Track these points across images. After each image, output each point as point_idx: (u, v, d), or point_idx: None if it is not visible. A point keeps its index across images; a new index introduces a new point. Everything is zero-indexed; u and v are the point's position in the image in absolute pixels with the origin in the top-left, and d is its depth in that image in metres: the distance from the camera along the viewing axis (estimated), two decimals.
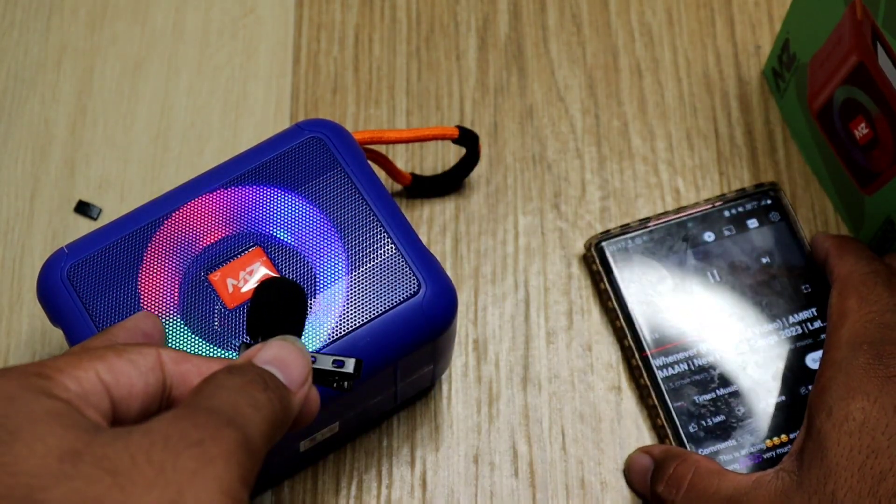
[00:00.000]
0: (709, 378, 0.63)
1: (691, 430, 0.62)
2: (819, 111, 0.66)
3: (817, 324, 0.64)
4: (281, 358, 0.44)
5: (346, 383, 0.47)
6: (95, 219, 0.67)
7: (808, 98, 0.67)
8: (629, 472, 0.62)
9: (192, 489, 0.35)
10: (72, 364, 0.39)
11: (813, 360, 0.63)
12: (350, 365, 0.46)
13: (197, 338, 0.54)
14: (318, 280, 0.55)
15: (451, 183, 0.68)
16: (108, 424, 0.39)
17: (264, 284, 0.46)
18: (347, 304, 0.55)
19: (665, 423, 0.62)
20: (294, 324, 0.46)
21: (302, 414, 0.44)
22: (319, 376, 0.46)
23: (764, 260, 0.66)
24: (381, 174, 0.68)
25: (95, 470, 0.35)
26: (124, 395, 0.40)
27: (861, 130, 0.63)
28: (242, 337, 0.53)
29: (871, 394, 0.54)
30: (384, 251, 0.56)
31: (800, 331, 0.64)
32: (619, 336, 0.65)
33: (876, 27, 0.58)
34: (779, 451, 0.61)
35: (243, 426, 0.39)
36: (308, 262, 0.55)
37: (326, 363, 0.46)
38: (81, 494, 0.34)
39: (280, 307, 0.46)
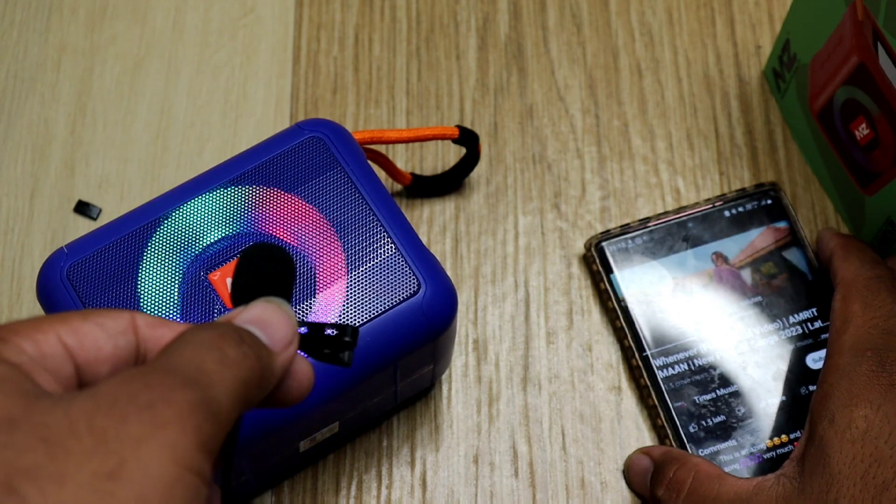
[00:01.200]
0: (709, 378, 0.63)
1: (691, 430, 0.62)
2: (820, 112, 0.66)
3: (818, 324, 0.64)
4: (263, 318, 0.41)
5: (345, 354, 0.43)
6: (95, 219, 0.67)
7: (808, 98, 0.67)
8: (629, 473, 0.62)
9: (135, 458, 0.33)
10: (32, 327, 0.37)
11: (813, 360, 0.63)
12: (347, 331, 0.43)
13: None
14: (317, 280, 0.55)
15: (451, 183, 0.68)
16: (72, 389, 0.37)
17: (249, 249, 0.43)
18: (347, 303, 0.55)
19: (665, 423, 0.62)
20: (281, 289, 0.43)
21: (291, 387, 0.41)
22: (315, 348, 0.43)
23: (764, 260, 0.66)
24: (381, 174, 0.68)
25: (29, 438, 0.32)
26: (90, 359, 0.38)
27: (862, 131, 0.63)
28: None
29: (875, 401, 0.54)
30: (384, 251, 0.56)
31: (800, 331, 0.64)
32: (619, 336, 0.65)
33: (877, 28, 0.58)
34: (779, 451, 0.61)
35: (205, 385, 0.36)
36: (308, 262, 0.55)
37: (320, 331, 0.43)
38: (11, 464, 0.32)
39: (265, 271, 0.42)
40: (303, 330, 0.43)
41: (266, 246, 0.43)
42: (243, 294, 0.42)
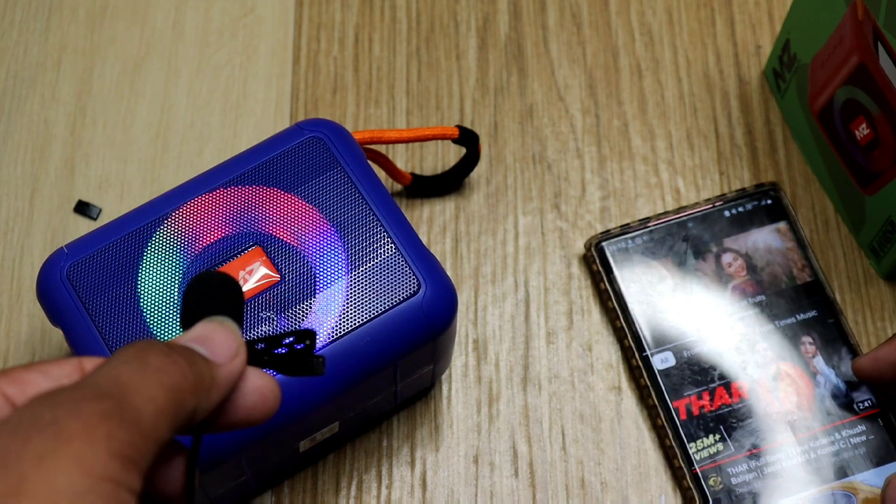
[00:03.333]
0: (709, 378, 0.63)
1: (691, 430, 0.62)
2: (820, 111, 0.66)
3: (818, 324, 0.64)
4: (203, 334, 0.41)
5: (313, 362, 0.43)
6: (95, 219, 0.67)
7: (808, 98, 0.67)
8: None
9: (38, 474, 0.33)
10: None
11: (816, 362, 0.63)
12: (304, 336, 0.43)
13: None
14: (318, 280, 0.55)
15: (451, 183, 0.68)
16: None
17: (193, 279, 0.43)
18: (347, 303, 0.55)
19: (665, 423, 0.62)
20: (228, 312, 0.43)
21: (254, 405, 0.41)
22: (282, 364, 0.43)
23: (764, 260, 0.66)
24: (381, 174, 0.68)
25: None
26: None
27: (862, 131, 0.63)
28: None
29: None
30: (384, 251, 0.56)
31: (800, 331, 0.64)
32: (619, 336, 0.65)
33: (877, 27, 0.58)
34: (780, 452, 0.61)
35: (119, 395, 0.35)
36: (308, 262, 0.55)
37: (278, 344, 0.43)
38: None
39: (211, 297, 0.43)
40: (259, 346, 0.43)
41: (210, 273, 0.43)
42: (190, 320, 0.43)
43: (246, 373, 0.41)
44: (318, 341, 0.54)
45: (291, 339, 0.43)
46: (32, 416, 0.35)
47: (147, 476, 0.38)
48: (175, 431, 0.38)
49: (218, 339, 0.41)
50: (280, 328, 0.54)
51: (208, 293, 0.43)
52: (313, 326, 0.54)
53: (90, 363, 0.40)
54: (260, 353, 0.43)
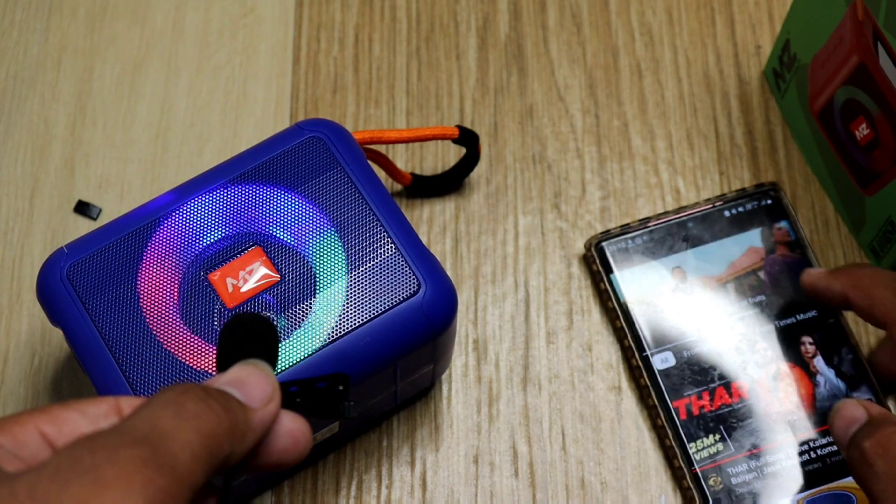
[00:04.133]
0: (709, 378, 0.63)
1: (691, 430, 0.62)
2: (820, 112, 0.66)
3: (818, 324, 0.64)
4: (238, 377, 0.42)
5: (344, 406, 0.44)
6: (95, 219, 0.67)
7: (808, 98, 0.67)
8: (835, 416, 0.56)
9: None
10: (12, 420, 0.39)
11: (816, 362, 0.63)
12: (339, 381, 0.43)
13: (197, 337, 0.54)
14: (318, 280, 0.55)
15: (451, 183, 0.68)
16: None
17: (230, 320, 0.44)
18: (347, 303, 0.55)
19: (665, 423, 0.62)
20: (264, 354, 0.44)
21: (286, 448, 0.42)
22: (311, 406, 0.44)
23: (764, 260, 0.66)
24: (381, 174, 0.68)
25: None
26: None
27: (862, 131, 0.63)
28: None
29: None
30: (384, 251, 0.56)
31: (800, 331, 0.64)
32: (619, 336, 0.65)
33: (877, 28, 0.58)
34: (780, 452, 0.61)
35: (156, 441, 0.36)
36: (308, 262, 0.55)
37: (312, 388, 0.43)
38: None
39: (247, 339, 0.44)
40: (293, 388, 0.43)
41: (247, 316, 0.44)
42: (226, 362, 0.43)
43: (279, 416, 0.42)
44: (318, 341, 0.54)
45: (325, 384, 0.43)
46: (72, 460, 0.35)
47: None
48: (210, 476, 0.38)
49: (253, 383, 0.42)
50: (280, 328, 0.54)
51: (244, 335, 0.43)
52: (313, 326, 0.54)
53: (127, 403, 0.41)
54: (292, 396, 0.43)
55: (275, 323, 0.45)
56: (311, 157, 0.57)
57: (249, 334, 0.44)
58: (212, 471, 0.38)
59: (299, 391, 0.43)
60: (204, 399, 0.39)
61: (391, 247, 0.56)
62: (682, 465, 0.61)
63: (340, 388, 0.43)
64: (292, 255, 0.56)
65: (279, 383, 0.43)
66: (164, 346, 0.53)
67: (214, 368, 0.52)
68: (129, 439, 0.36)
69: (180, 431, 0.37)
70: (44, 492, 0.34)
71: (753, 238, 0.66)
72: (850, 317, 0.66)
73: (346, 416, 0.44)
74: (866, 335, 0.65)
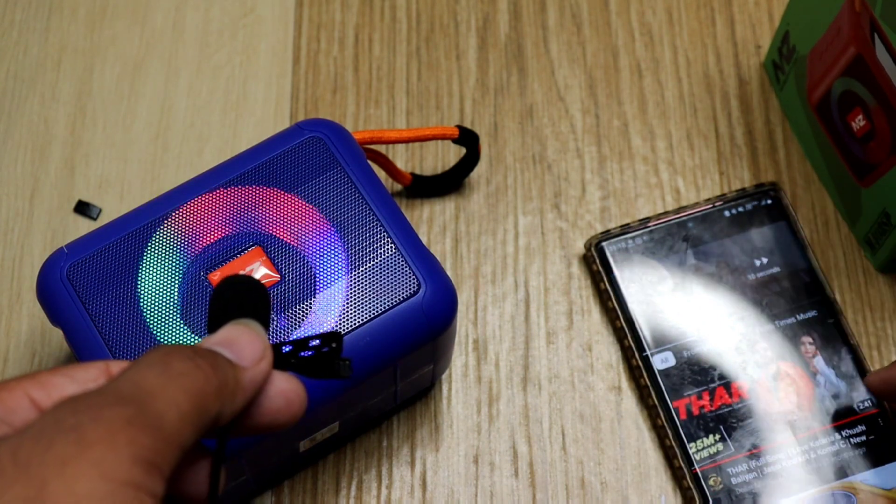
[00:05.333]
0: (709, 378, 0.63)
1: (691, 429, 0.62)
2: (817, 103, 0.66)
3: (818, 324, 0.64)
4: (228, 337, 0.41)
5: (340, 365, 0.42)
6: (95, 219, 0.67)
7: (806, 90, 0.67)
8: (871, 375, 0.57)
9: (59, 479, 0.33)
10: (1, 386, 0.38)
11: (816, 362, 0.63)
12: (331, 338, 0.42)
13: (197, 337, 0.54)
14: (318, 280, 0.55)
15: (451, 183, 0.68)
16: None
17: (221, 283, 0.43)
18: (347, 303, 0.55)
19: (665, 423, 0.62)
20: (255, 315, 0.43)
21: (279, 408, 0.41)
22: (307, 367, 0.43)
23: (764, 260, 0.66)
24: (381, 174, 0.68)
25: None
26: None
27: (858, 122, 0.63)
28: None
29: None
30: (384, 251, 0.56)
31: (800, 331, 0.64)
32: (619, 336, 0.65)
33: (874, 19, 0.58)
34: (780, 452, 0.61)
35: (141, 400, 0.36)
36: (308, 262, 0.55)
37: (304, 347, 0.42)
38: None
39: (237, 301, 0.43)
40: (286, 349, 0.42)
41: (237, 278, 0.43)
42: (216, 325, 0.42)
43: (271, 376, 0.41)
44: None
45: (318, 341, 0.42)
46: (55, 421, 0.35)
47: (170, 480, 0.38)
48: (199, 435, 0.38)
49: (243, 341, 0.41)
50: (280, 328, 0.54)
51: (235, 297, 0.43)
52: (313, 326, 0.54)
53: (116, 367, 0.40)
54: (286, 356, 0.42)
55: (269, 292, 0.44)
56: (311, 157, 0.57)
57: (240, 297, 0.43)
58: (201, 430, 0.38)
59: (292, 350, 0.42)
60: (191, 358, 0.38)
61: (391, 247, 0.56)
62: (682, 465, 0.61)
63: (334, 344, 0.42)
64: (292, 255, 0.56)
65: (271, 344, 0.42)
66: None
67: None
68: (114, 399, 0.36)
69: (167, 390, 0.37)
70: (26, 453, 0.34)
71: (753, 238, 0.66)
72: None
73: (340, 375, 0.43)
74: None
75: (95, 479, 0.33)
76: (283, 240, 0.56)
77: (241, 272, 0.44)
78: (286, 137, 0.58)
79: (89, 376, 0.39)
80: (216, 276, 0.55)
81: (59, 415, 0.35)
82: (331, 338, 0.42)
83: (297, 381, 0.42)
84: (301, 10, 0.73)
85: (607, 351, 0.65)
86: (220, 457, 0.40)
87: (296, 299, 0.55)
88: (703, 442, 0.62)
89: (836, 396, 0.63)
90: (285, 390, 0.41)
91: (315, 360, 0.42)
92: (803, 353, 0.64)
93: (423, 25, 0.73)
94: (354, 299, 0.55)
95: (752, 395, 0.63)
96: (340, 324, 0.54)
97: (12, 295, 0.66)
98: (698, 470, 0.61)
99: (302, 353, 0.42)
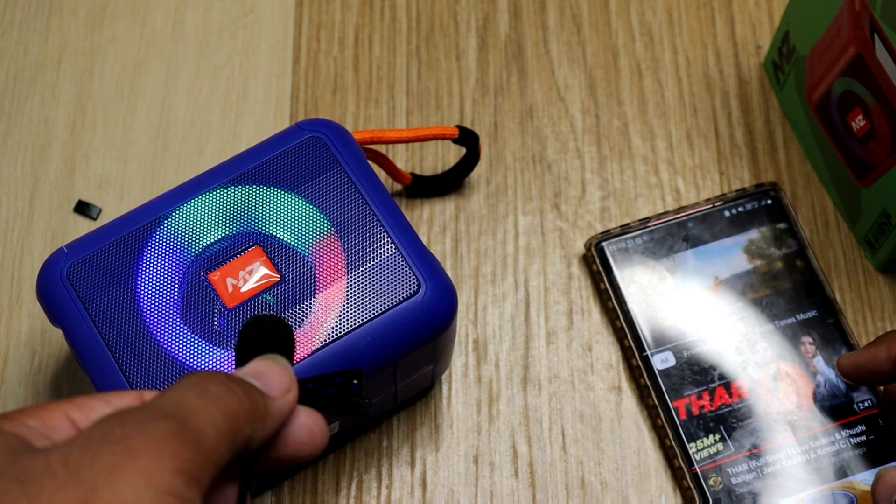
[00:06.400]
0: (709, 378, 0.63)
1: (691, 430, 0.62)
2: (817, 103, 0.66)
3: (818, 324, 0.64)
4: (258, 370, 0.44)
5: (359, 401, 0.45)
6: (95, 219, 0.67)
7: (806, 90, 0.67)
8: (878, 483, 0.56)
9: (107, 484, 0.35)
10: (40, 406, 0.40)
11: (816, 362, 0.63)
12: (353, 376, 0.45)
13: (197, 337, 0.54)
14: (318, 280, 0.55)
15: (451, 183, 0.68)
16: None
17: (251, 320, 0.46)
18: (347, 303, 0.55)
19: (665, 423, 0.62)
20: (280, 351, 0.46)
21: (303, 441, 0.43)
22: (327, 402, 0.45)
23: (764, 260, 0.66)
24: (381, 174, 0.68)
25: (8, 483, 0.36)
26: None
27: (858, 122, 0.63)
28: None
29: None
30: (384, 251, 0.56)
31: (800, 331, 0.64)
32: (619, 336, 0.65)
33: (874, 19, 0.58)
34: (780, 452, 0.61)
35: (183, 417, 0.38)
36: (308, 262, 0.55)
37: (328, 383, 0.45)
38: None
39: (264, 338, 0.46)
40: (309, 385, 0.45)
41: (264, 317, 0.46)
42: (245, 359, 0.45)
43: (296, 410, 0.44)
44: (318, 341, 0.54)
45: (339, 378, 0.45)
46: (103, 432, 0.37)
47: (206, 496, 0.40)
48: (232, 456, 0.40)
49: (271, 374, 0.43)
50: None
51: (262, 334, 0.45)
52: (313, 326, 0.54)
53: (150, 395, 0.42)
54: (309, 393, 0.45)
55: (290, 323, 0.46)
56: (311, 157, 0.57)
57: (266, 334, 0.46)
58: (234, 451, 0.40)
59: (315, 387, 0.45)
60: (226, 383, 0.41)
61: (391, 247, 0.56)
62: (682, 465, 0.61)
63: (355, 382, 0.45)
64: (292, 255, 0.56)
65: (297, 379, 0.44)
66: (164, 347, 0.53)
67: (214, 369, 0.52)
68: (158, 414, 0.38)
69: (205, 410, 0.39)
70: (76, 460, 0.36)
71: (753, 238, 0.66)
72: (850, 316, 0.66)
73: (360, 413, 0.45)
74: (866, 335, 0.65)
75: (141, 486, 0.35)
76: (283, 240, 0.56)
77: (270, 314, 0.46)
78: (286, 137, 0.58)
79: (124, 402, 0.41)
80: (216, 276, 0.55)
81: (107, 426, 0.37)
82: (352, 374, 0.45)
83: (319, 416, 0.44)
84: (301, 10, 0.73)
85: (607, 351, 0.65)
86: (246, 482, 0.42)
87: (296, 299, 0.55)
88: (703, 442, 0.62)
89: (836, 396, 0.63)
90: (309, 424, 0.44)
91: (336, 397, 0.45)
92: (803, 353, 0.64)
93: (423, 25, 0.73)
94: (354, 299, 0.55)
95: (752, 395, 0.63)
96: (340, 324, 0.54)
97: (12, 295, 0.66)
98: (698, 470, 0.61)
99: (325, 391, 0.45)
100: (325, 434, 0.44)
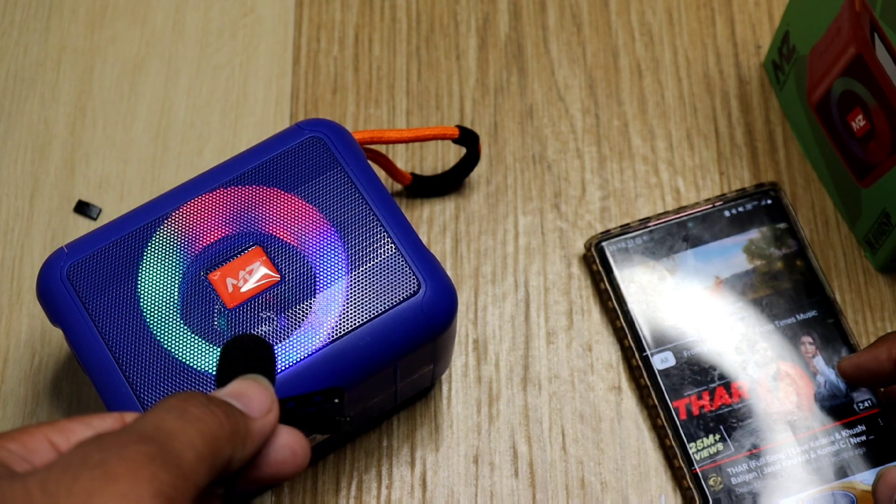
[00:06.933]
0: (709, 378, 0.63)
1: (691, 430, 0.62)
2: (817, 103, 0.66)
3: (818, 324, 0.64)
4: (238, 390, 0.43)
5: (341, 420, 0.45)
6: (95, 219, 0.67)
7: (806, 90, 0.67)
8: (879, 482, 0.56)
9: None
10: (22, 430, 0.40)
11: (816, 362, 0.63)
12: (333, 394, 0.45)
13: (197, 337, 0.54)
14: (318, 280, 0.55)
15: (451, 183, 0.68)
16: None
17: (231, 340, 0.46)
18: (347, 303, 0.55)
19: (665, 423, 0.62)
20: (261, 370, 0.46)
21: (285, 460, 0.43)
22: (308, 420, 0.45)
23: (764, 259, 0.66)
24: (381, 174, 0.68)
25: None
26: None
27: (858, 122, 0.63)
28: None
29: None
30: (384, 251, 0.56)
31: (800, 331, 0.64)
32: (619, 336, 0.65)
33: (874, 19, 0.58)
34: (780, 452, 0.61)
35: (162, 440, 0.38)
36: (308, 262, 0.55)
37: (309, 402, 0.45)
38: None
39: (244, 358, 0.45)
40: (290, 405, 0.45)
41: (245, 337, 0.46)
42: (226, 379, 0.45)
43: (277, 429, 0.44)
44: (318, 341, 0.54)
45: (320, 398, 0.45)
46: (82, 456, 0.37)
47: None
48: (212, 477, 0.40)
49: (252, 394, 0.43)
50: (280, 328, 0.54)
51: (243, 354, 0.45)
52: (313, 326, 0.54)
53: (131, 417, 0.42)
54: (290, 412, 0.45)
55: (271, 342, 0.47)
56: (311, 157, 0.57)
57: (248, 354, 0.45)
58: (214, 472, 0.40)
59: (296, 406, 0.45)
60: (206, 404, 0.41)
61: (391, 247, 0.56)
62: (682, 465, 0.61)
63: (336, 401, 0.45)
64: (292, 255, 0.56)
65: (277, 399, 0.44)
66: (164, 346, 0.53)
67: (215, 369, 0.52)
68: (137, 437, 0.38)
69: (184, 432, 0.39)
70: (54, 485, 0.36)
71: (753, 238, 0.66)
72: (850, 316, 0.66)
73: (340, 430, 0.45)
74: (866, 335, 0.65)
75: None
76: (283, 240, 0.56)
77: (251, 335, 0.47)
78: (286, 137, 0.58)
79: (105, 424, 0.41)
80: (216, 276, 0.55)
81: (86, 451, 0.37)
82: (332, 394, 0.45)
83: (300, 435, 0.44)
84: (301, 10, 0.73)
85: (607, 351, 0.65)
86: (230, 491, 0.42)
87: (296, 299, 0.55)
88: (703, 442, 0.62)
89: (836, 396, 0.63)
90: (290, 443, 0.44)
91: (317, 415, 0.45)
92: (803, 353, 0.64)
93: (423, 25, 0.73)
94: (354, 299, 0.55)
95: (752, 395, 0.63)
96: (340, 324, 0.54)
97: (12, 295, 0.66)
98: (698, 470, 0.61)
99: (306, 409, 0.45)
100: (307, 453, 0.44)
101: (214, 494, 0.43)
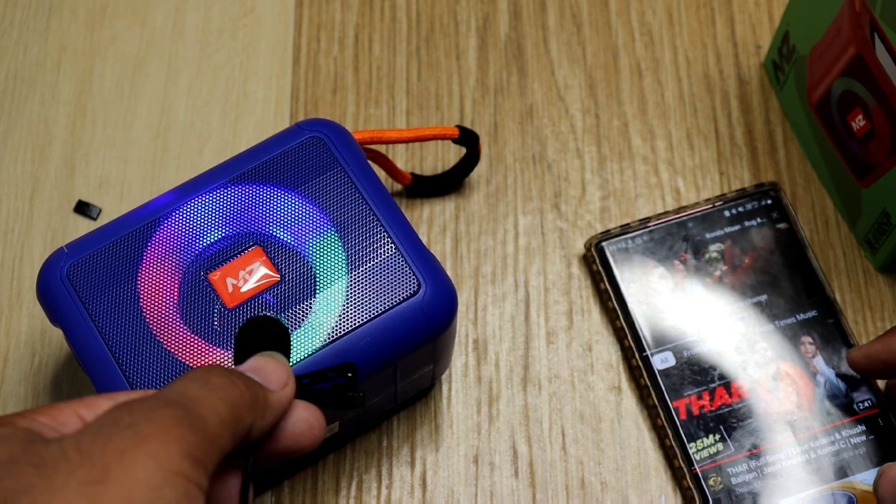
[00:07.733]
0: (709, 378, 0.63)
1: (691, 430, 0.62)
2: (817, 103, 0.66)
3: (818, 324, 0.64)
4: (257, 365, 0.46)
5: (354, 395, 0.47)
6: (95, 219, 0.67)
7: (806, 90, 0.67)
8: (881, 479, 0.56)
9: (120, 466, 0.37)
10: (51, 406, 0.42)
11: (816, 362, 0.63)
12: (346, 369, 0.47)
13: (197, 337, 0.54)
14: (318, 280, 0.55)
15: (451, 183, 0.68)
16: None
17: (248, 321, 0.48)
18: (347, 303, 0.55)
19: (665, 423, 0.62)
20: (277, 349, 0.48)
21: (302, 433, 0.45)
22: (323, 397, 0.47)
23: (764, 260, 0.66)
24: (381, 174, 0.68)
25: (24, 467, 0.38)
26: None
27: (858, 122, 0.63)
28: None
29: None
30: (384, 251, 0.56)
31: (800, 331, 0.64)
32: (619, 336, 0.65)
33: (874, 19, 0.58)
34: (780, 452, 0.61)
35: (188, 405, 0.40)
36: (308, 262, 0.55)
37: (323, 378, 0.47)
38: (8, 489, 0.37)
39: (262, 338, 0.47)
40: (305, 381, 0.47)
41: (261, 318, 0.48)
42: (243, 357, 0.47)
43: (294, 403, 0.46)
44: (318, 341, 0.54)
45: (334, 373, 0.47)
46: (112, 419, 0.39)
47: (212, 479, 0.42)
48: (234, 444, 0.42)
49: (270, 369, 0.46)
50: None
51: (259, 333, 0.47)
52: (313, 326, 0.54)
53: (154, 392, 0.44)
54: (305, 388, 0.47)
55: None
56: (311, 157, 0.57)
57: (264, 332, 0.47)
58: (237, 439, 0.42)
59: (311, 382, 0.47)
60: (227, 375, 0.43)
61: (391, 247, 0.56)
62: (682, 465, 0.61)
63: (349, 375, 0.47)
64: (292, 255, 0.56)
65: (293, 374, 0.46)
66: (164, 346, 0.53)
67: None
68: (164, 402, 0.40)
69: (208, 398, 0.41)
70: (88, 445, 0.38)
71: (753, 238, 0.66)
72: (850, 316, 0.66)
73: (354, 406, 0.47)
74: (866, 335, 0.66)
75: (152, 468, 0.38)
76: (283, 240, 0.56)
77: (266, 315, 0.48)
78: (286, 137, 0.58)
79: (131, 399, 0.43)
80: (216, 276, 0.55)
81: (116, 415, 0.39)
82: (346, 368, 0.47)
83: (315, 409, 0.46)
84: (301, 10, 0.73)
85: (607, 351, 0.65)
86: (249, 473, 0.44)
87: (296, 299, 0.55)
88: (703, 442, 0.62)
89: (836, 396, 0.63)
90: (307, 417, 0.46)
91: (331, 391, 0.47)
92: (803, 353, 0.64)
93: (423, 25, 0.73)
94: (354, 299, 0.55)
95: (752, 395, 0.63)
96: (340, 324, 0.54)
97: (12, 295, 0.66)
98: (698, 470, 0.61)
99: (320, 385, 0.47)
100: (323, 426, 0.46)
101: (235, 466, 0.45)
